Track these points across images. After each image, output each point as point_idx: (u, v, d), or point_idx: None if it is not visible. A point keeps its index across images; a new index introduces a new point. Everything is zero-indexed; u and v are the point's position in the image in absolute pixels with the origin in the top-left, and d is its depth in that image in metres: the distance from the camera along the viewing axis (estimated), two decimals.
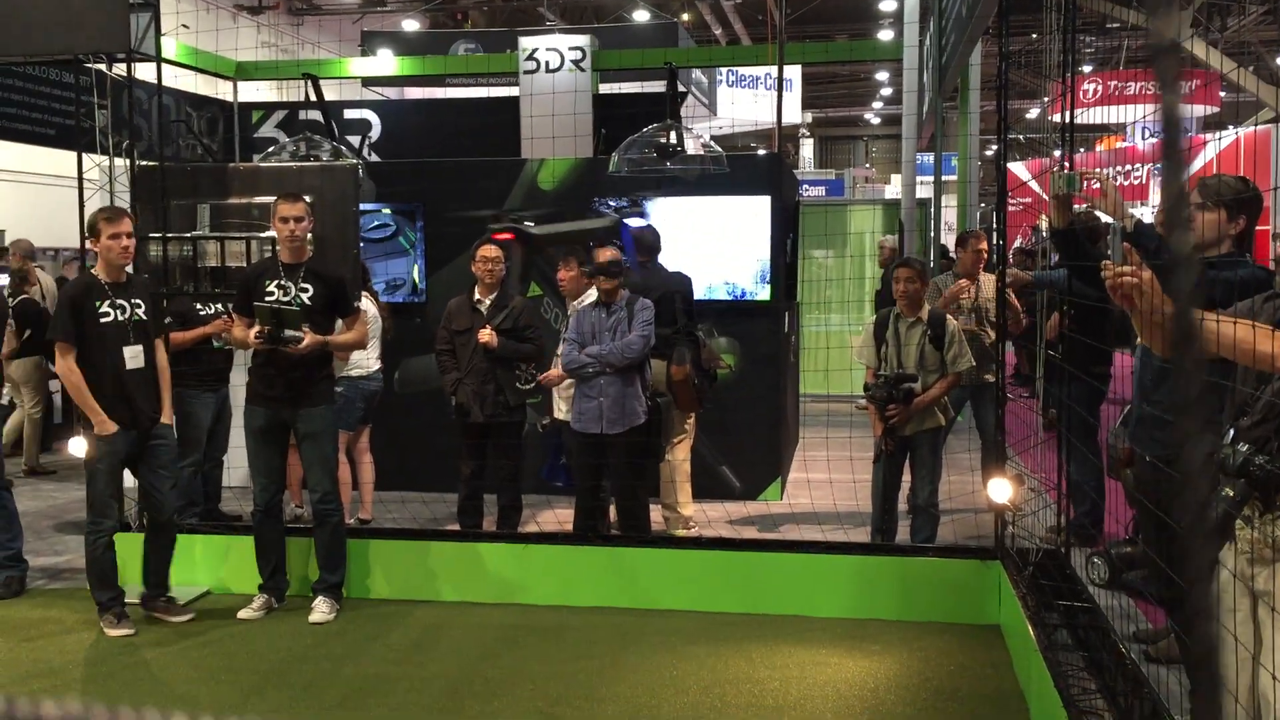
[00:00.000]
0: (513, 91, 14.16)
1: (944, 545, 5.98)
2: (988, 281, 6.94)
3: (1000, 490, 5.34)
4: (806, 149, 34.14)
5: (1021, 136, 23.87)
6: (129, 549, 5.71)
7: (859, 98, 34.36)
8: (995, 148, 6.29)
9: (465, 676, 4.84)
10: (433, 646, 5.24)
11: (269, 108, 14.61)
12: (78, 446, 6.28)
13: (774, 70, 18.55)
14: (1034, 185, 13.09)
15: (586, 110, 13.43)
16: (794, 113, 20.86)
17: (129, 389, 5.36)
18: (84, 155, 6.74)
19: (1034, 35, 15.93)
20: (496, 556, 5.95)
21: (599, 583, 5.85)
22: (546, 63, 14.07)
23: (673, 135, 7.54)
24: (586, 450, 6.15)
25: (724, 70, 19.78)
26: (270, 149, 9.42)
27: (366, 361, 6.99)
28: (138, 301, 5.41)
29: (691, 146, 8.02)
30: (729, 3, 21.89)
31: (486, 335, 6.17)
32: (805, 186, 21.02)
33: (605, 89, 14.43)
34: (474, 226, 7.93)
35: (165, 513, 5.55)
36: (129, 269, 5.52)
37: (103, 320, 5.30)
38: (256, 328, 5.44)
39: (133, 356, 5.36)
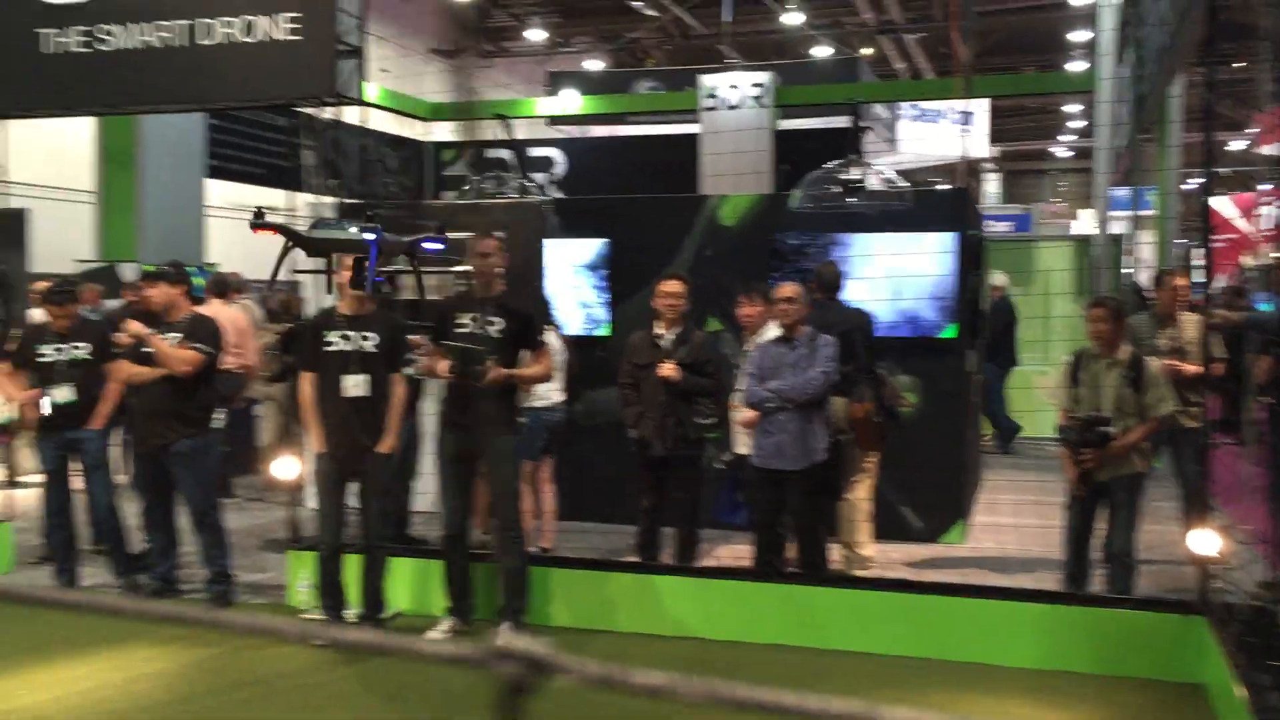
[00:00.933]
0: (693, 128, 14.34)
1: (1142, 597, 5.70)
2: (1189, 322, 6.63)
3: (1205, 541, 5.07)
4: (991, 183, 33.31)
5: (1225, 170, 22.72)
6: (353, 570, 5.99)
7: (1046, 130, 33.35)
8: (1198, 182, 6.03)
9: (643, 708, 4.86)
10: None
11: (460, 147, 15.20)
12: (281, 468, 6.65)
13: (958, 104, 18.22)
14: (1240, 222, 12.44)
15: (766, 146, 13.49)
16: (979, 146, 20.42)
17: (345, 415, 5.65)
18: (291, 192, 7.13)
19: (1240, 64, 15.21)
20: (674, 589, 5.98)
21: (777, 620, 5.81)
22: (727, 100, 14.20)
23: (855, 171, 7.50)
24: (766, 485, 6.13)
25: (905, 104, 19.54)
26: (464, 186, 9.80)
27: (549, 393, 7.15)
28: (368, 334, 5.71)
29: (874, 182, 7.95)
30: (912, 37, 21.63)
31: (668, 369, 6.24)
32: (990, 222, 20.51)
33: (785, 125, 14.44)
34: (657, 262, 8.05)
35: (369, 536, 5.82)
36: (369, 304, 5.83)
37: (328, 349, 5.64)
38: (446, 362, 5.67)
39: (353, 385, 5.65)
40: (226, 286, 9.42)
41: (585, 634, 5.91)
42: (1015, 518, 6.06)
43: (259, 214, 6.44)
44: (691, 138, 13.95)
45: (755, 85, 14.15)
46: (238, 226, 18.79)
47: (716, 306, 7.90)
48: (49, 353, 6.49)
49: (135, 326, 6.27)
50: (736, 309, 6.91)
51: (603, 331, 8.41)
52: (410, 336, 6.19)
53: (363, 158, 9.44)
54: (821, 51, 20.43)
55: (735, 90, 14.21)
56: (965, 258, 7.67)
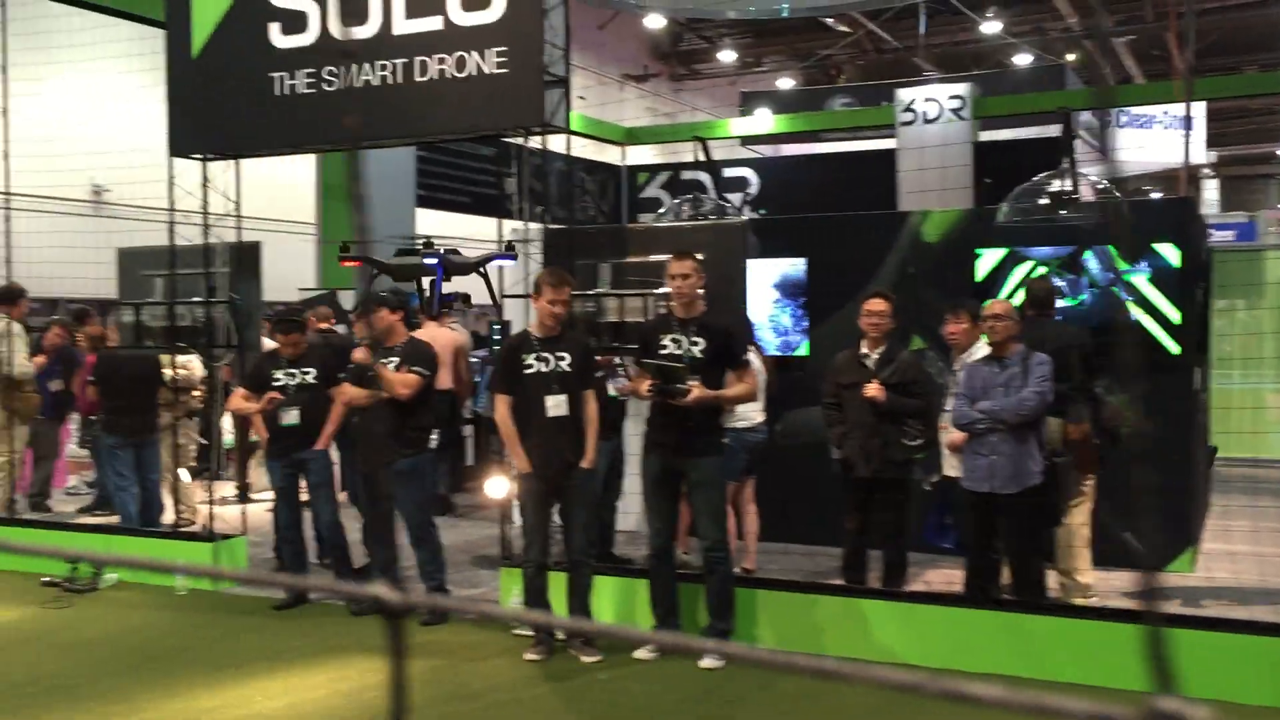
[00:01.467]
0: (889, 143, 14.11)
1: None
2: None
3: None
4: (1209, 190, 31.50)
5: None
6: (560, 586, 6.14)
7: (1270, 133, 31.32)
8: None
9: None
10: (821, 699, 5.23)
11: (654, 170, 15.39)
12: (493, 488, 6.86)
13: (1172, 108, 17.31)
14: None
15: (966, 160, 13.14)
16: (1197, 151, 19.35)
17: (549, 435, 5.80)
18: (498, 220, 7.36)
19: None
20: (881, 613, 5.86)
21: (990, 648, 5.61)
22: (925, 113, 13.92)
23: (1067, 182, 7.23)
24: (977, 509, 5.95)
25: (1114, 110, 18.68)
26: (662, 209, 9.92)
27: (751, 413, 7.13)
28: (563, 355, 5.85)
29: (1087, 193, 7.64)
30: (1122, 40, 20.71)
31: (873, 390, 6.13)
32: (1212, 231, 19.38)
33: (986, 136, 14.04)
34: (856, 280, 7.95)
35: (572, 552, 5.94)
36: (561, 327, 5.98)
37: (526, 371, 5.81)
38: (647, 382, 5.75)
39: (554, 405, 5.79)
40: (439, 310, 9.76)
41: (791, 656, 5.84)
42: (1254, 545, 5.68)
43: (344, 248, 6.72)
44: (887, 153, 13.74)
45: (954, 97, 13.82)
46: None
47: (921, 325, 7.74)
48: (280, 377, 6.89)
49: (360, 355, 6.59)
50: (943, 327, 6.74)
51: (801, 351, 8.35)
52: (599, 357, 6.31)
53: (563, 183, 9.66)
54: (1022, 60, 19.78)
55: (933, 103, 13.91)
56: (1189, 270, 7.26)
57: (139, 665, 5.87)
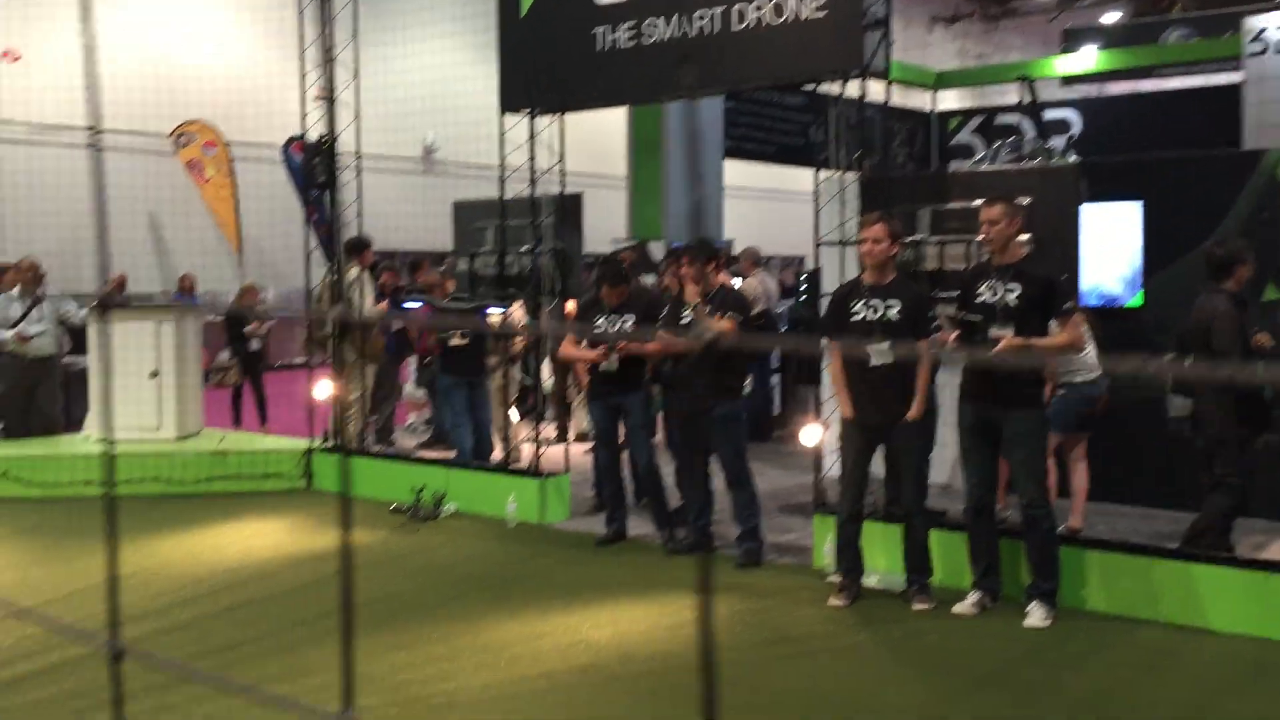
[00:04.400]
0: (1232, 78, 12.90)
1: None
2: None
3: None
4: None
5: None
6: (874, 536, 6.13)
7: None
8: None
9: (1202, 706, 4.50)
10: (1163, 670, 4.95)
11: (967, 115, 14.78)
12: (808, 435, 6.87)
13: None
14: None
15: None
16: None
17: (873, 383, 5.74)
18: (807, 170, 7.30)
19: None
20: (1231, 582, 5.45)
21: None
22: (1277, 42, 12.61)
23: None
24: None
25: None
26: (978, 155, 9.53)
27: (1089, 366, 6.77)
28: (892, 302, 5.77)
29: None
30: None
31: (1263, 338, 5.69)
32: None
33: None
34: (1197, 226, 7.36)
35: (902, 504, 5.89)
36: (895, 272, 5.90)
37: (854, 319, 5.77)
38: (954, 334, 5.60)
39: (878, 353, 5.72)
40: (752, 259, 9.85)
41: (1127, 622, 5.55)
42: None
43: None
44: (1230, 89, 12.56)
45: None
46: (751, 202, 19.57)
47: (1277, 274, 7.07)
48: (602, 323, 7.16)
49: (690, 295, 6.72)
50: None
51: (1134, 302, 7.83)
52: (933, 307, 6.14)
53: (876, 130, 9.46)
54: None
55: None
56: None
57: (477, 590, 6.32)
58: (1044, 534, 5.65)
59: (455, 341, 8.23)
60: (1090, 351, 6.75)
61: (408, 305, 8.92)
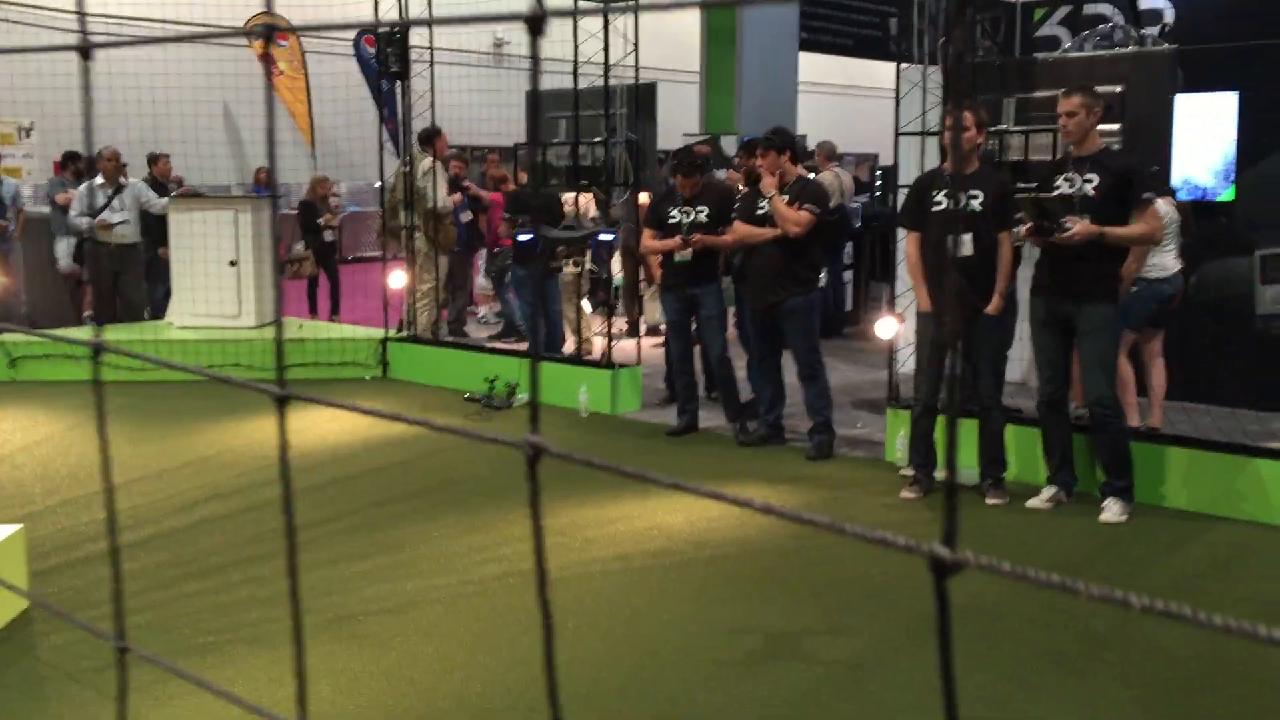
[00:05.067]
0: None
1: None
2: None
3: None
4: None
5: None
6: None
7: None
8: None
9: (1277, 603, 4.45)
10: (1241, 566, 4.90)
11: (1053, 5, 14.25)
12: (883, 328, 6.81)
13: None
14: None
15: None
16: None
17: (955, 274, 5.65)
18: (882, 64, 7.09)
19: None
20: None
21: None
22: None
23: None
24: None
25: None
26: (1066, 45, 9.20)
27: (1164, 262, 6.59)
28: (976, 193, 5.64)
29: None
30: None
31: None
32: None
33: None
34: None
35: (981, 399, 5.83)
36: (979, 162, 5.77)
37: (935, 209, 5.65)
38: (1027, 225, 5.46)
39: (961, 244, 5.62)
40: (828, 154, 9.68)
41: (1205, 519, 5.49)
42: None
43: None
44: None
45: None
46: (824, 98, 19.18)
47: None
48: (676, 215, 7.10)
49: (767, 184, 6.64)
50: None
51: (1226, 196, 7.57)
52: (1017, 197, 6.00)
53: (952, 20, 9.15)
54: None
55: None
56: None
57: (552, 475, 6.32)
58: (1114, 433, 5.56)
59: (569, 269, 8.16)
60: (1170, 248, 6.56)
61: (522, 238, 8.85)
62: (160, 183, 11.07)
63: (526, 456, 0.81)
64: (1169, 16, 12.98)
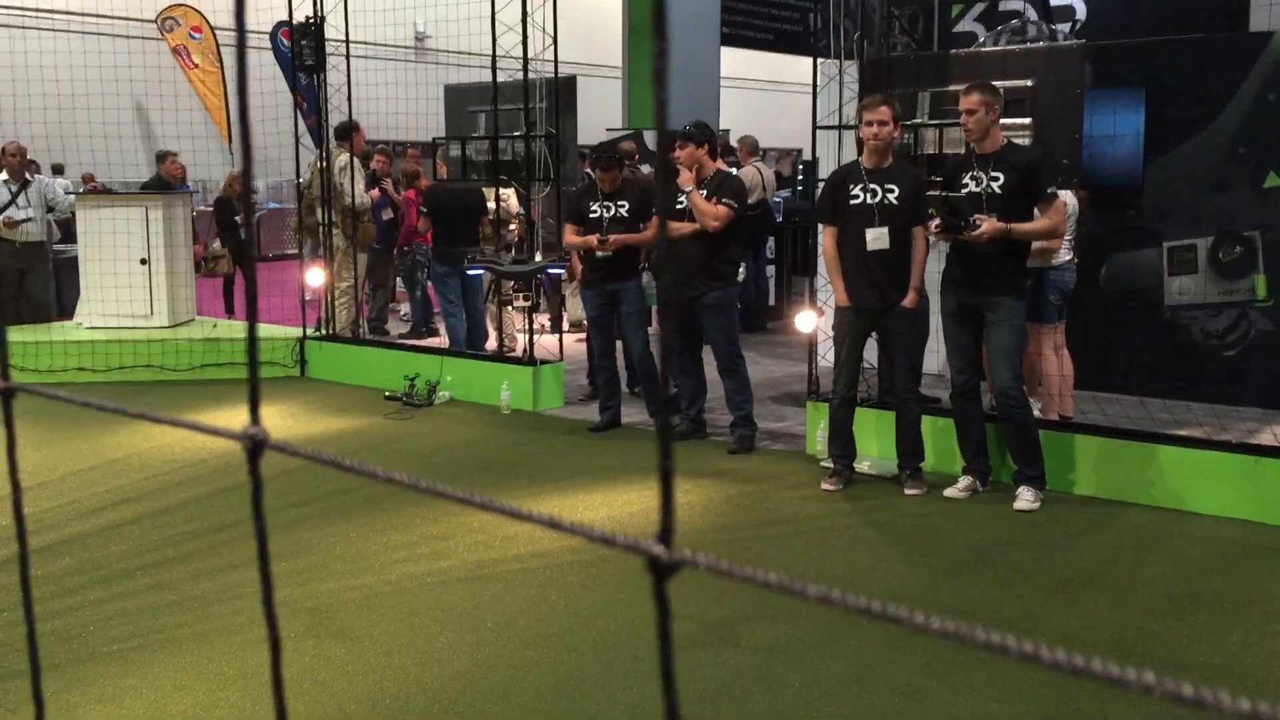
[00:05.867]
0: None
1: None
2: None
3: None
4: None
5: None
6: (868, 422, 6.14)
7: None
8: None
9: (1189, 585, 4.55)
10: (1149, 550, 4.99)
11: (969, 1, 14.46)
12: (803, 322, 6.84)
13: None
14: None
15: None
16: None
17: (869, 268, 5.69)
18: (804, 59, 7.11)
19: None
20: (1221, 467, 5.48)
21: None
22: None
23: None
24: None
25: None
26: (980, 40, 9.33)
27: (1058, 252, 6.69)
28: (892, 187, 5.68)
29: None
30: None
31: None
32: None
33: None
34: (1200, 111, 7.26)
35: (898, 390, 5.88)
36: (894, 156, 5.80)
37: (851, 202, 5.68)
38: (935, 222, 5.54)
39: (875, 238, 5.65)
40: (749, 148, 9.71)
41: (1116, 505, 5.60)
42: None
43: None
44: None
45: None
46: (746, 93, 19.23)
47: None
48: (596, 210, 7.07)
49: (683, 179, 6.63)
50: None
51: (1134, 188, 7.73)
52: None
53: (868, 16, 9.24)
54: None
55: None
56: None
57: (473, 472, 6.35)
58: (1020, 422, 5.64)
59: (519, 303, 7.91)
60: (1067, 239, 6.64)
61: (471, 272, 8.67)
62: (167, 183, 10.81)
63: (246, 450, 0.77)
64: (1080, 13, 13.27)
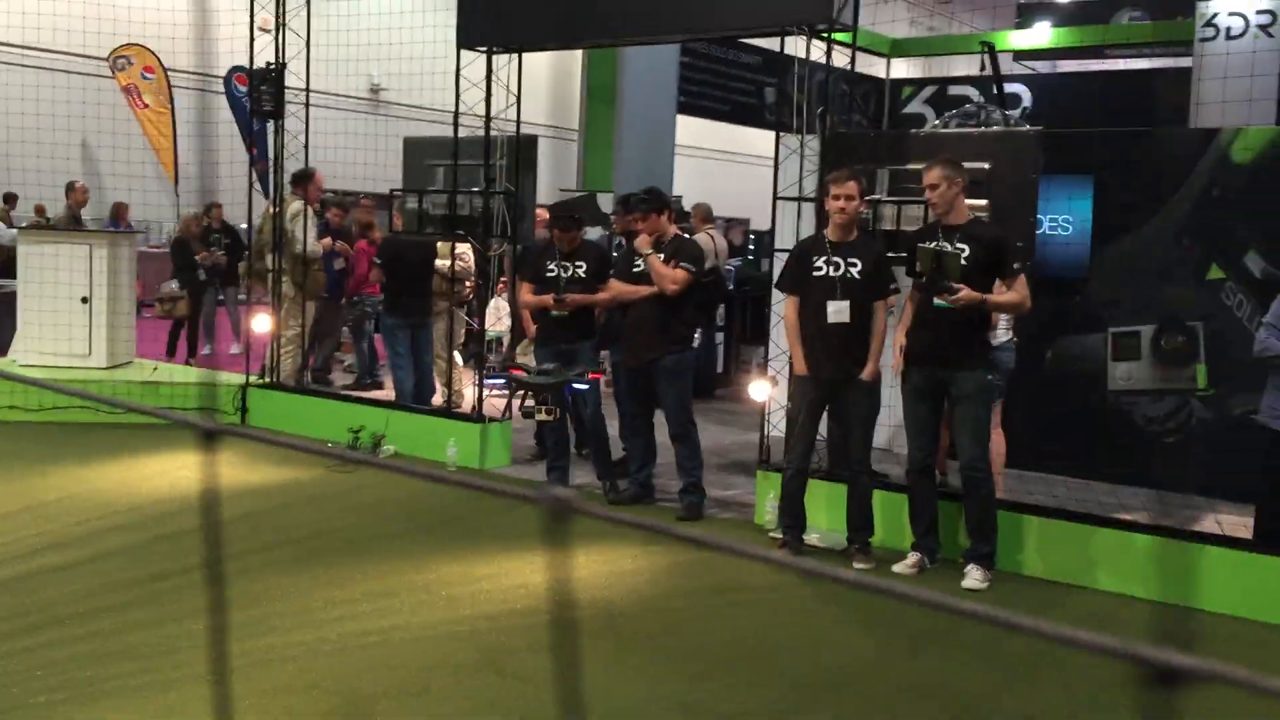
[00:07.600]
0: (1183, 62, 13.07)
1: None
2: None
3: None
4: None
5: None
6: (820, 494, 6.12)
7: None
8: None
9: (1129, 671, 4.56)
10: (1103, 624, 5.01)
11: (920, 84, 14.82)
12: (756, 390, 6.85)
13: None
14: None
15: (1273, 81, 12.00)
16: None
17: (829, 340, 5.72)
18: (757, 131, 7.19)
19: None
20: (1162, 552, 5.54)
21: None
22: (1229, 29, 12.77)
23: None
24: (1276, 448, 5.51)
25: None
26: (935, 122, 9.53)
27: (999, 333, 6.79)
28: (855, 261, 5.74)
29: None
30: None
31: None
32: None
33: None
34: (1147, 201, 7.45)
35: (851, 463, 5.88)
36: (857, 231, 5.86)
37: (814, 274, 5.73)
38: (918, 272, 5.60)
39: (836, 311, 5.69)
40: (704, 216, 9.79)
41: (1061, 587, 5.64)
42: None
43: None
44: (1180, 71, 12.72)
45: (1262, 11, 12.60)
46: (698, 162, 19.45)
47: (1222, 254, 7.18)
48: (554, 269, 7.05)
49: (642, 242, 6.64)
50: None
51: (1080, 275, 7.89)
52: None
53: (833, 92, 9.42)
54: None
55: (1238, 18, 12.74)
56: None
57: (418, 529, 6.23)
58: (984, 498, 5.69)
59: (541, 417, 7.47)
60: (1003, 320, 6.72)
61: (490, 382, 8.45)
62: (76, 215, 10.70)
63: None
64: (1027, 100, 13.65)
